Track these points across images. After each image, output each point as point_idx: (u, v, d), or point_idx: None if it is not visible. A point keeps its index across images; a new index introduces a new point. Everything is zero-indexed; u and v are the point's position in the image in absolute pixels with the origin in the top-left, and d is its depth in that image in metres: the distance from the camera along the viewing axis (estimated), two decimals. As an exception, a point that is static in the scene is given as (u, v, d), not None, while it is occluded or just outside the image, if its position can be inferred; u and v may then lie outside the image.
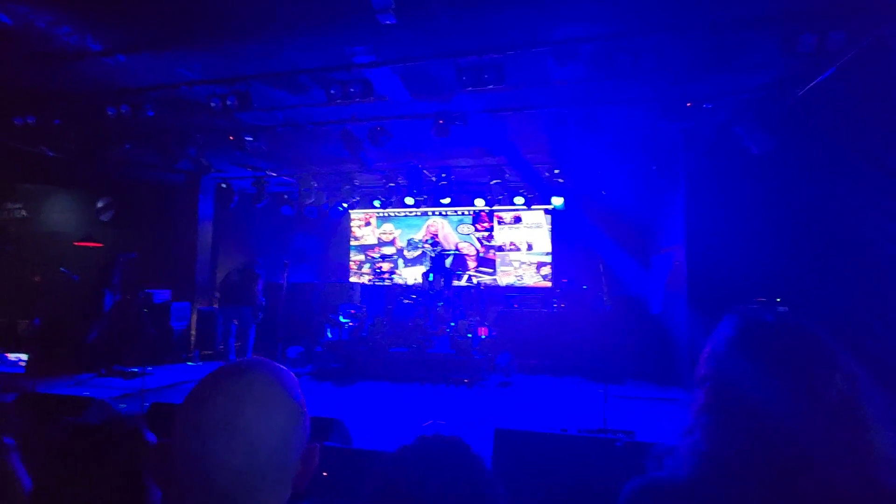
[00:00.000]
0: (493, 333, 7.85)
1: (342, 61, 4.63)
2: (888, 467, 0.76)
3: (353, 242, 10.65)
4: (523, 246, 9.72)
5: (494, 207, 9.45)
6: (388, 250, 10.42)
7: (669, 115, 5.04)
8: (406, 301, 8.16)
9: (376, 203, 9.50)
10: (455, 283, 8.80)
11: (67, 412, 3.28)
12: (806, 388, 0.81)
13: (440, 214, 10.19)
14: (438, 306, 7.88)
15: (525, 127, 6.47)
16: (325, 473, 3.10)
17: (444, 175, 8.25)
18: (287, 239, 10.10)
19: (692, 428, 0.89)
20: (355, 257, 10.61)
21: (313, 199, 8.90)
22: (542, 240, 9.65)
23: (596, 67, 4.41)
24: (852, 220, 4.08)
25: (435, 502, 0.85)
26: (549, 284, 9.42)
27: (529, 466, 2.82)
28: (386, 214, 10.41)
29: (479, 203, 9.03)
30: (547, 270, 9.54)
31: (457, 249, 9.93)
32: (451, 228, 10.15)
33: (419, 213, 10.23)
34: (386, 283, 9.72)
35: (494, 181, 8.17)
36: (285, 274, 6.83)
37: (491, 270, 9.81)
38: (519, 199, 8.82)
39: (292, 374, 0.76)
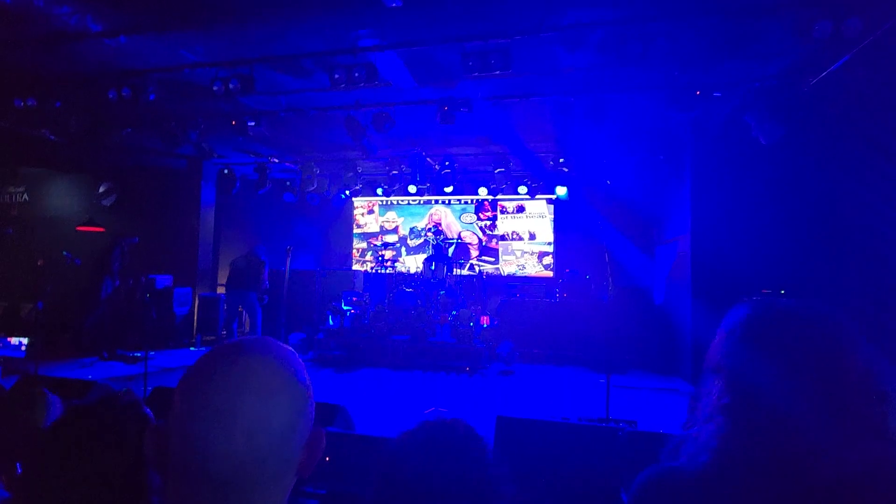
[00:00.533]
0: (495, 322, 7.85)
1: (347, 45, 4.55)
2: None
3: (355, 230, 10.63)
4: (526, 235, 9.69)
5: (498, 197, 9.39)
6: (390, 238, 10.40)
7: (678, 103, 4.96)
8: (408, 289, 8.15)
9: (379, 191, 9.46)
10: (457, 271, 8.78)
11: (68, 395, 3.29)
12: (827, 376, 0.79)
13: (443, 203, 10.15)
14: (440, 295, 7.87)
15: (530, 115, 6.39)
16: (327, 459, 3.11)
17: (447, 163, 8.18)
18: (289, 226, 10.07)
19: (709, 417, 0.88)
20: (358, 245, 10.60)
21: (316, 186, 8.85)
22: (544, 229, 9.61)
23: (605, 54, 4.33)
24: (862, 212, 4.03)
25: (440, 484, 0.85)
26: (550, 274, 9.40)
27: (531, 454, 2.82)
28: (389, 202, 10.37)
29: (483, 192, 8.98)
30: (549, 260, 9.52)
31: (459, 238, 9.90)
32: (454, 217, 10.12)
33: (422, 202, 10.20)
34: (388, 272, 9.70)
35: (498, 170, 8.11)
36: (287, 260, 6.82)
37: (493, 259, 9.79)
38: (522, 189, 8.77)
39: (296, 355, 0.71)
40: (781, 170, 5.02)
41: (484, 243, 9.89)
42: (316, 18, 4.17)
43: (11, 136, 6.87)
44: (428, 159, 8.21)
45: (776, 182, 5.19)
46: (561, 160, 7.95)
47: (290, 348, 0.72)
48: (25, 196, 9.26)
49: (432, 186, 8.97)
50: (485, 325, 7.62)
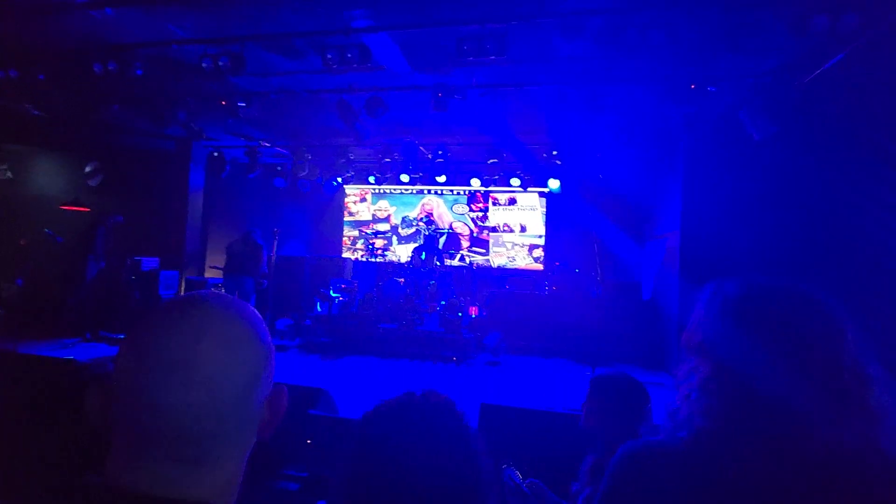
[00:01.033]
0: (484, 313, 7.85)
1: (340, 25, 4.46)
2: (889, 433, 0.75)
3: (347, 218, 10.56)
4: (517, 228, 9.68)
5: (490, 188, 9.36)
6: (382, 227, 10.35)
7: (673, 97, 4.95)
8: (398, 278, 8.12)
9: (371, 179, 9.37)
10: (448, 262, 8.76)
11: (46, 374, 3.23)
12: (809, 352, 0.78)
13: (436, 193, 10.10)
14: (430, 284, 7.84)
15: (525, 105, 6.34)
16: (308, 441, 3.09)
17: (440, 153, 8.12)
18: (279, 211, 9.97)
19: (688, 394, 0.87)
20: (349, 233, 10.53)
21: (307, 172, 8.76)
22: (535, 222, 9.61)
23: (602, 43, 4.28)
24: (852, 211, 4.05)
25: (419, 457, 0.83)
26: (540, 267, 9.41)
27: (514, 441, 2.81)
28: (381, 191, 10.31)
29: (475, 183, 8.93)
30: (539, 253, 9.54)
31: (451, 229, 9.88)
32: (447, 208, 10.08)
33: (415, 192, 10.15)
34: (378, 260, 9.66)
35: (491, 161, 8.06)
36: (274, 244, 6.75)
37: (484, 251, 9.78)
38: (515, 181, 8.74)
39: (257, 312, 0.67)
40: (773, 167, 5.03)
41: (475, 234, 9.87)
42: (309, -5, 4.08)
43: (-7, 109, 6.71)
44: (421, 148, 8.14)
45: (768, 180, 5.21)
46: (554, 153, 7.92)
47: (251, 306, 0.68)
48: (9, 174, 9.05)
49: (425, 176, 8.91)
50: (473, 316, 7.61)
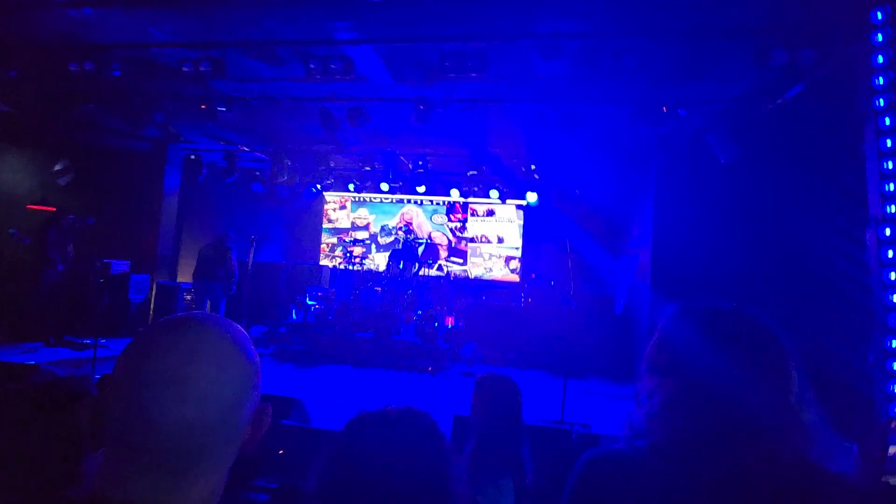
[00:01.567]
0: (460, 324, 7.90)
1: (323, 35, 4.51)
2: (814, 440, 0.82)
3: (326, 225, 10.50)
4: (494, 239, 9.81)
5: (469, 199, 9.46)
6: (361, 235, 10.33)
7: (646, 118, 5.14)
8: (376, 287, 8.11)
9: (351, 186, 9.37)
10: (426, 271, 8.79)
11: (7, 379, 3.12)
12: (763, 376, 0.85)
13: (415, 203, 10.16)
14: (408, 294, 7.86)
15: (505, 120, 6.47)
16: (280, 452, 3.06)
17: (420, 163, 8.20)
18: (256, 217, 9.84)
19: (645, 406, 0.92)
20: (328, 240, 10.48)
21: (286, 178, 8.70)
22: (512, 234, 9.75)
23: (579, 65, 4.45)
24: (807, 234, 4.27)
25: (393, 472, 0.84)
26: (516, 278, 9.54)
27: (486, 453, 2.85)
28: (361, 199, 10.30)
29: (455, 194, 9.02)
30: (515, 264, 9.67)
31: (429, 238, 9.93)
32: (426, 217, 10.14)
33: (394, 201, 10.18)
34: (356, 268, 9.63)
35: (471, 173, 8.17)
36: (251, 251, 6.67)
37: (462, 261, 9.86)
38: (494, 193, 8.88)
39: (245, 333, 0.71)
40: (737, 189, 5.26)
41: (453, 244, 9.95)
42: (292, 6, 4.12)
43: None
44: (401, 158, 8.19)
45: (733, 200, 5.43)
46: (532, 167, 8.08)
47: (241, 328, 0.72)
48: (-28, 170, 8.71)
49: (405, 185, 8.96)
50: (449, 326, 7.65)
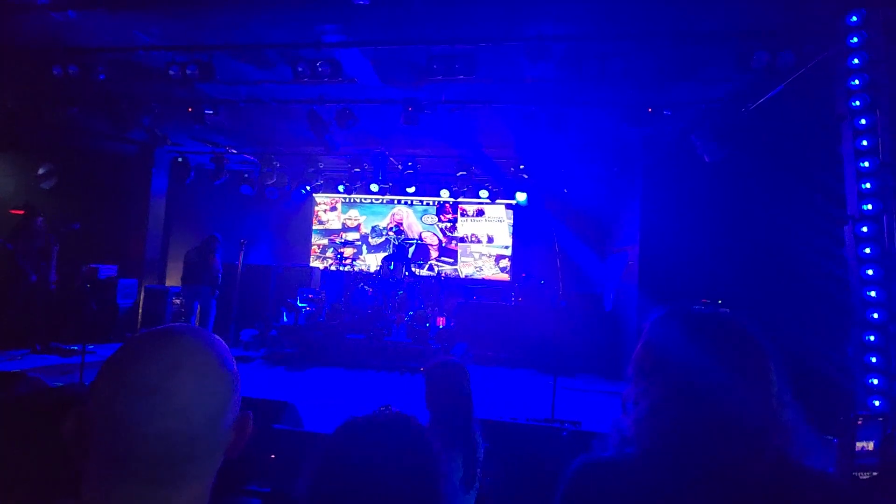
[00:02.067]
0: (451, 324, 7.93)
1: (311, 39, 4.51)
2: (793, 439, 0.85)
3: (317, 226, 10.48)
4: (484, 238, 9.86)
5: (459, 199, 9.50)
6: (352, 236, 10.32)
7: (632, 119, 5.21)
8: (367, 288, 8.11)
9: (340, 188, 9.35)
10: (417, 271, 8.81)
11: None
12: (746, 380, 0.87)
13: (406, 204, 10.17)
14: (398, 294, 7.87)
15: (493, 122, 6.52)
16: (272, 456, 3.06)
17: (410, 164, 8.21)
18: (246, 219, 9.78)
19: (632, 413, 0.95)
20: (318, 241, 10.45)
21: (275, 180, 8.67)
22: (502, 233, 9.81)
23: (566, 68, 4.50)
24: (788, 231, 4.37)
25: (382, 477, 0.86)
26: (507, 277, 9.59)
27: (478, 452, 2.89)
28: (352, 200, 10.29)
29: (445, 194, 9.06)
30: (505, 263, 9.73)
31: (420, 239, 9.95)
32: (416, 218, 10.16)
33: (385, 201, 10.19)
34: (347, 269, 9.62)
35: (460, 173, 8.20)
36: (241, 254, 6.63)
37: (452, 261, 9.89)
38: (484, 193, 8.93)
39: (224, 343, 0.73)
40: (722, 188, 5.36)
41: (444, 244, 9.98)
42: (281, 9, 4.12)
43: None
44: (391, 159, 8.20)
45: (716, 199, 5.53)
46: (521, 167, 8.13)
47: (219, 338, 0.74)
48: (-48, 174, 8.55)
49: (395, 186, 8.97)
50: (441, 326, 7.67)
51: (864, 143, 3.38)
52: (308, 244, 10.46)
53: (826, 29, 3.60)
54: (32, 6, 4.28)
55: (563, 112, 5.50)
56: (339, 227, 10.41)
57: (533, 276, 8.53)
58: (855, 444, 1.84)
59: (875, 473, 1.87)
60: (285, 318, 7.72)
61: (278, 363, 6.90)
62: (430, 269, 9.80)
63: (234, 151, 8.46)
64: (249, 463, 2.85)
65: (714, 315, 0.96)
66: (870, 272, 3.33)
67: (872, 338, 3.27)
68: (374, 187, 8.92)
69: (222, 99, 6.01)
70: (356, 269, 9.58)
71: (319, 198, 10.39)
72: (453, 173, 8.30)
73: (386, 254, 8.91)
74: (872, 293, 3.31)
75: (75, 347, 6.29)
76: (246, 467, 2.83)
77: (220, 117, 6.06)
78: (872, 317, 3.29)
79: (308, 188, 9.55)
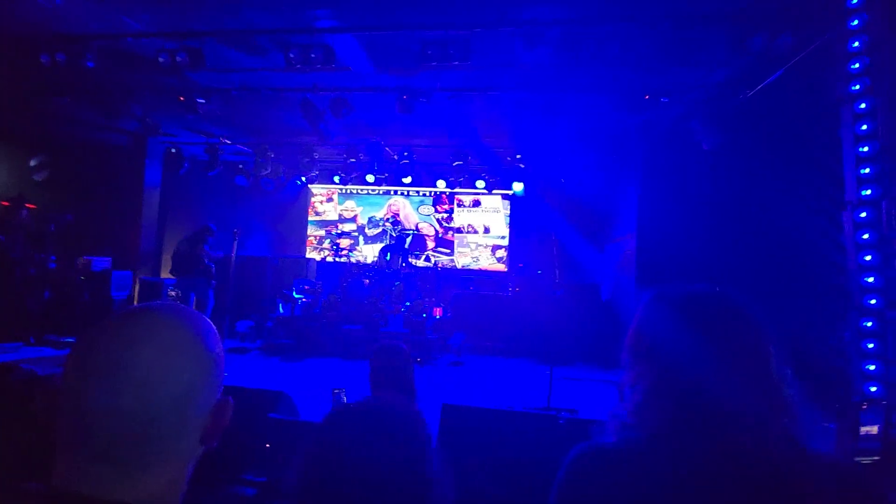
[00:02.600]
0: (448, 314, 7.91)
1: (303, 24, 4.43)
2: (797, 417, 0.82)
3: (313, 217, 10.43)
4: (480, 229, 9.83)
5: (456, 190, 9.45)
6: (348, 227, 10.28)
7: (629, 106, 5.16)
8: (364, 279, 8.08)
9: (336, 179, 9.29)
10: (413, 262, 8.79)
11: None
12: (746, 358, 0.85)
13: (402, 194, 10.13)
14: (395, 285, 7.85)
15: (489, 110, 6.45)
16: (268, 445, 3.05)
17: (406, 154, 8.14)
18: (241, 210, 9.73)
19: (631, 398, 0.92)
20: (315, 232, 10.41)
21: (270, 171, 8.60)
22: (498, 223, 9.78)
23: (562, 52, 4.43)
24: (787, 218, 4.34)
25: (374, 456, 0.83)
26: (503, 268, 9.57)
27: (474, 441, 2.88)
28: (348, 191, 10.25)
29: (441, 185, 9.00)
30: (502, 253, 9.71)
31: (416, 229, 9.92)
32: (412, 209, 10.11)
33: (381, 192, 10.15)
34: (344, 260, 9.59)
35: (457, 163, 8.14)
36: (234, 244, 6.58)
37: (449, 251, 9.87)
38: (480, 183, 8.88)
39: (210, 323, 0.70)
40: (720, 174, 5.32)
41: (440, 235, 9.95)
42: (271, -6, 4.04)
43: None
44: (387, 149, 8.14)
45: (715, 185, 5.50)
46: (518, 156, 8.08)
47: (207, 319, 0.71)
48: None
49: (390, 177, 8.91)
50: (437, 317, 7.66)
51: (864, 127, 3.34)
52: (304, 235, 10.42)
53: (826, 11, 3.54)
54: (18, -9, 4.19)
55: (559, 99, 5.45)
56: (336, 217, 10.37)
57: (530, 267, 8.51)
58: (859, 429, 1.83)
59: (877, 458, 1.86)
60: (281, 310, 7.70)
61: (275, 354, 6.88)
62: (427, 259, 9.78)
63: (228, 142, 8.38)
64: (245, 452, 2.84)
65: (706, 293, 0.93)
66: (868, 258, 3.30)
67: (870, 324, 3.25)
68: (370, 178, 8.86)
69: (215, 87, 5.93)
70: (353, 260, 9.54)
71: (316, 189, 10.34)
72: (449, 163, 8.24)
73: (383, 245, 8.87)
74: (870, 279, 3.29)
75: (69, 340, 6.26)
76: (242, 456, 2.82)
77: (213, 106, 5.98)
78: (870, 303, 3.27)
79: (303, 179, 9.48)
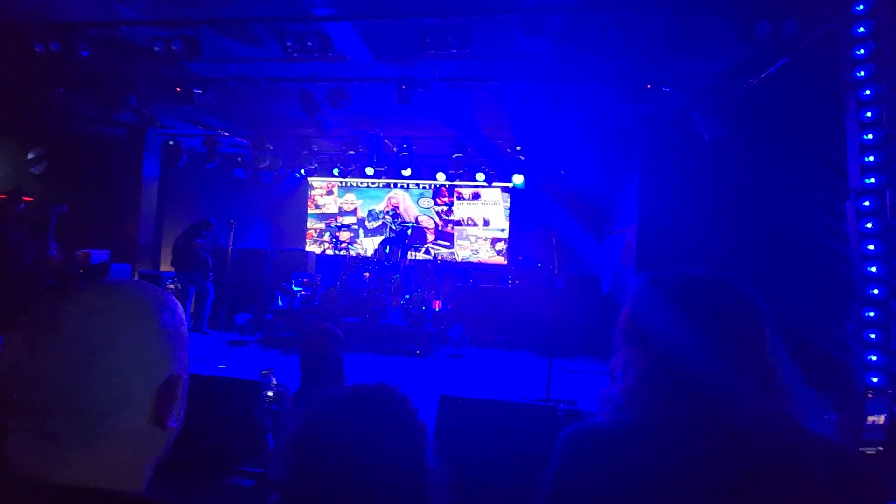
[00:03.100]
0: (448, 307, 7.89)
1: (299, 12, 4.36)
2: (792, 397, 0.81)
3: (313, 210, 10.41)
4: (480, 222, 9.81)
5: (455, 182, 9.40)
6: (348, 220, 10.26)
7: (630, 96, 5.09)
8: (363, 272, 8.06)
9: (335, 171, 9.25)
10: (413, 255, 8.76)
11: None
12: (740, 339, 0.84)
13: (402, 187, 10.11)
14: (395, 278, 7.82)
15: (489, 100, 6.38)
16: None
17: (405, 146, 8.09)
18: (240, 203, 9.69)
19: (623, 379, 0.91)
20: (314, 225, 10.40)
21: (269, 163, 8.55)
22: (498, 216, 9.75)
23: (563, 41, 4.35)
24: (790, 207, 4.30)
25: (365, 443, 0.82)
26: (503, 260, 9.55)
27: (472, 432, 2.86)
28: (348, 184, 10.22)
29: (441, 177, 8.96)
30: (502, 246, 9.69)
31: (416, 222, 9.90)
32: (412, 201, 10.08)
33: (381, 185, 10.12)
34: (343, 253, 9.56)
35: (456, 155, 8.09)
36: (231, 236, 6.55)
37: (448, 244, 9.84)
38: (480, 176, 8.83)
39: (174, 300, 0.67)
40: (722, 165, 5.27)
41: (440, 228, 9.92)
42: (267, -20, 3.97)
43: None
44: (386, 141, 8.08)
45: (718, 178, 5.44)
46: (518, 148, 8.02)
47: (174, 298, 0.68)
48: (-60, 159, 8.42)
49: (390, 169, 8.86)
50: (437, 310, 7.64)
51: (869, 114, 3.29)
52: (303, 228, 10.40)
53: (831, -3, 3.48)
54: (9, -21, 4.13)
55: (560, 89, 5.38)
56: (336, 210, 10.35)
57: (530, 259, 8.48)
58: (865, 418, 1.80)
59: (881, 448, 1.83)
60: (280, 303, 7.68)
61: (274, 347, 6.87)
62: (427, 252, 9.75)
63: (226, 134, 8.33)
64: (244, 444, 2.82)
65: (701, 275, 0.92)
66: (871, 247, 3.26)
67: (872, 314, 3.22)
68: (369, 170, 8.82)
69: (211, 77, 5.87)
70: (352, 253, 9.52)
71: (315, 182, 10.31)
72: (449, 156, 8.19)
73: (383, 237, 8.85)
74: (873, 268, 3.25)
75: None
76: (240, 448, 2.81)
77: (210, 97, 5.92)
78: (873, 292, 3.24)
79: (302, 171, 9.45)
